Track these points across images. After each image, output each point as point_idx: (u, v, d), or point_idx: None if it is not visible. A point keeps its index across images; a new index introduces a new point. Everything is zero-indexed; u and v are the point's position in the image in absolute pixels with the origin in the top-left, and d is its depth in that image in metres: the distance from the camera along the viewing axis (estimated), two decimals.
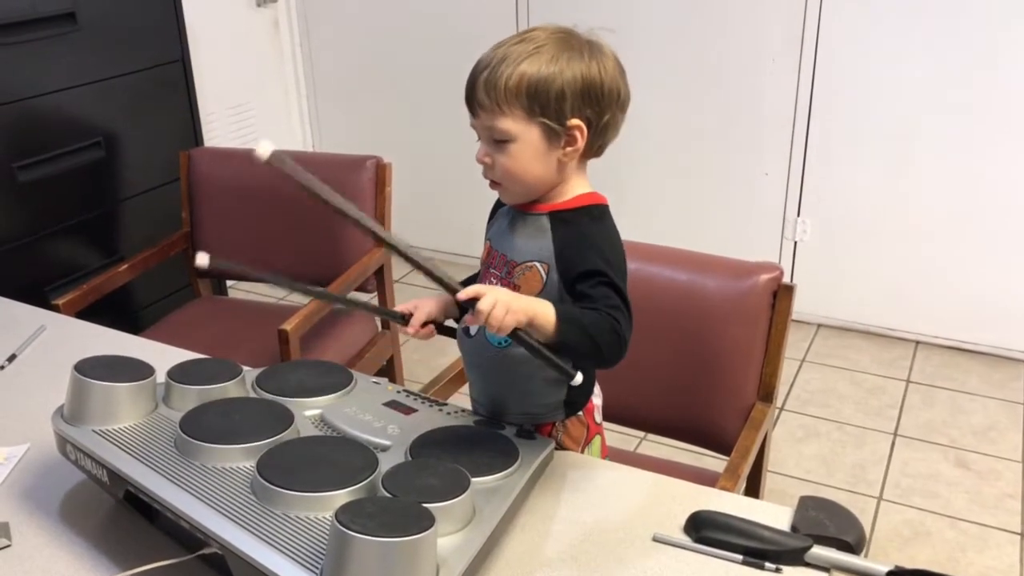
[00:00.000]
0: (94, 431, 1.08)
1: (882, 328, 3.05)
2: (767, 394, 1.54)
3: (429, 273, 1.02)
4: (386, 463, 1.01)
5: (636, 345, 1.11)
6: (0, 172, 2.21)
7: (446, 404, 1.21)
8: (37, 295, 2.22)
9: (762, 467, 1.59)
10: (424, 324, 1.22)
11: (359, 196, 2.19)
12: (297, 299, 3.19)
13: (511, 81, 1.06)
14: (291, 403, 1.15)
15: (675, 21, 2.99)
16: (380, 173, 2.20)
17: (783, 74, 2.89)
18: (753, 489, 1.58)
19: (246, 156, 2.44)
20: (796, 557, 1.00)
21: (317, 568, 0.86)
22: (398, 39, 3.47)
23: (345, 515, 0.83)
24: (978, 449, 2.47)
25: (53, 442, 1.12)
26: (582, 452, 1.24)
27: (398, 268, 3.28)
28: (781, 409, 2.68)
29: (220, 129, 3.34)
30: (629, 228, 1.35)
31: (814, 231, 3.03)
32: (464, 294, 0.99)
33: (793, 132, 2.94)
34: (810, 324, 3.13)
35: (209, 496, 0.96)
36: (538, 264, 1.12)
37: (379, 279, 2.27)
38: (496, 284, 1.16)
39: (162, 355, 1.43)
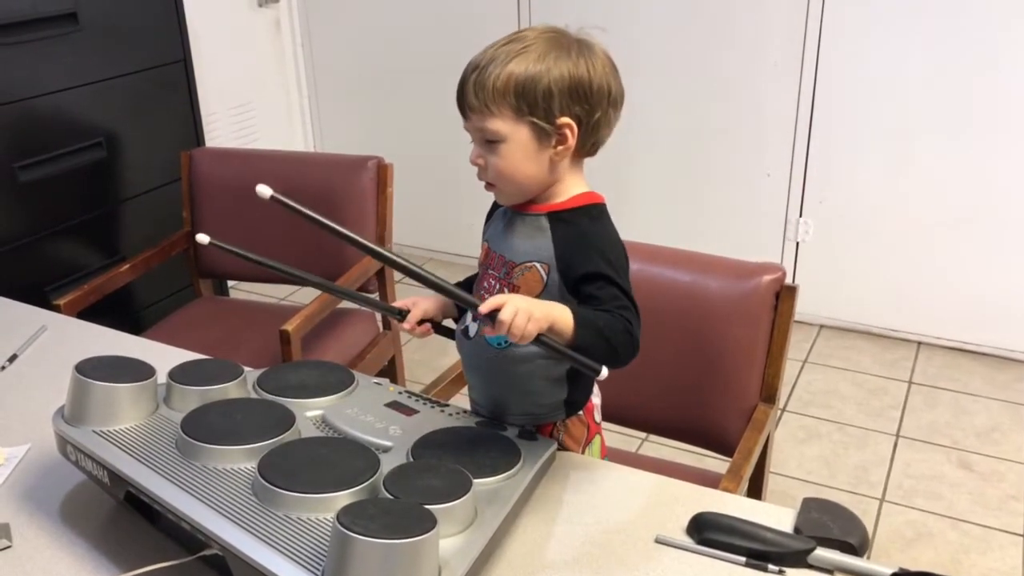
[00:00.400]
0: (95, 432, 1.07)
1: (884, 329, 3.05)
2: (769, 395, 1.54)
3: (444, 291, 1.01)
4: (388, 464, 1.01)
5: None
6: (1, 172, 2.21)
7: (448, 405, 1.21)
8: (38, 295, 2.22)
9: (764, 468, 1.58)
10: (421, 322, 1.23)
11: (360, 197, 2.18)
12: (298, 299, 3.19)
13: (499, 81, 1.06)
14: (292, 404, 1.15)
15: (678, 22, 2.98)
16: (381, 173, 2.20)
17: (785, 75, 2.88)
18: (755, 490, 1.57)
19: (247, 156, 2.44)
20: (799, 559, 1.00)
21: (318, 570, 0.85)
22: (399, 39, 3.47)
23: (347, 516, 0.83)
24: (981, 450, 2.47)
25: (54, 443, 1.12)
26: (582, 452, 1.24)
27: None
28: (783, 410, 2.68)
29: (221, 129, 3.34)
30: (631, 229, 1.34)
31: (816, 232, 3.02)
32: (485, 307, 0.98)
33: (795, 133, 2.94)
34: (812, 325, 3.12)
35: (210, 497, 0.96)
36: (537, 264, 1.12)
37: (380, 279, 2.27)
38: (495, 285, 1.16)
39: (163, 356, 1.43)
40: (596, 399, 1.26)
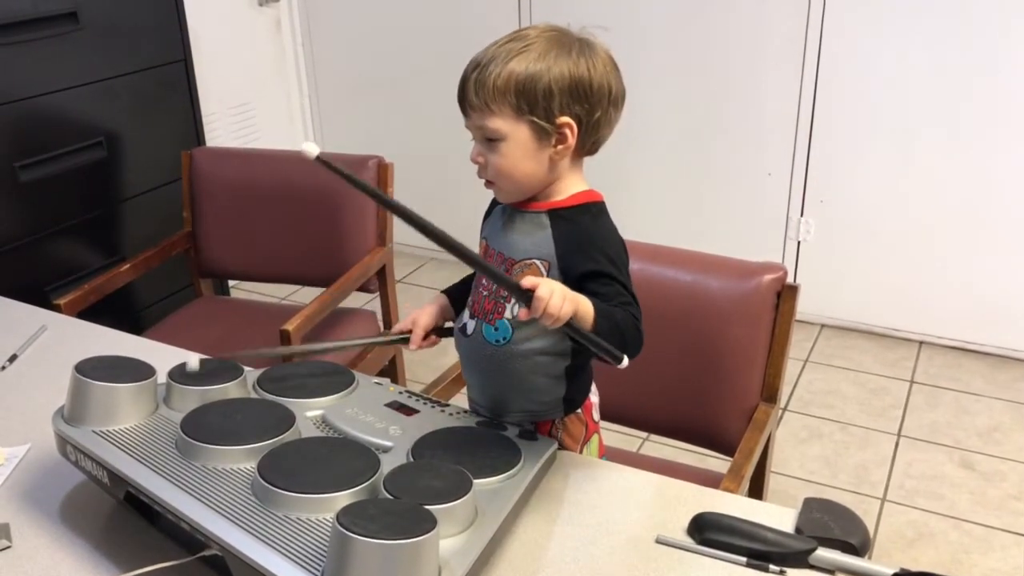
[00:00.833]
0: (95, 432, 1.07)
1: (886, 328, 3.04)
2: (770, 395, 1.53)
3: (489, 271, 1.05)
4: (388, 464, 1.01)
5: None
6: (2, 172, 2.21)
7: (448, 405, 1.21)
8: (38, 295, 2.22)
9: (765, 468, 1.58)
10: (426, 336, 1.24)
11: (361, 196, 2.17)
12: (299, 299, 3.19)
13: (499, 80, 1.06)
14: (292, 404, 1.15)
15: (679, 21, 2.98)
16: (382, 173, 2.19)
17: (787, 74, 2.88)
18: (756, 490, 1.57)
19: (247, 156, 2.44)
20: (800, 559, 0.99)
21: (318, 570, 0.85)
22: (400, 39, 3.47)
23: (346, 517, 0.83)
24: (983, 450, 2.46)
25: (54, 443, 1.11)
26: (581, 450, 1.24)
27: (400, 268, 3.28)
28: (784, 410, 2.67)
29: (222, 129, 3.33)
30: (633, 228, 1.34)
31: (817, 231, 3.02)
32: (526, 283, 0.98)
33: (796, 132, 2.93)
34: (813, 324, 3.12)
35: (210, 497, 0.96)
36: (538, 262, 1.12)
37: (381, 279, 2.27)
38: (493, 282, 1.16)
39: (163, 356, 1.43)
40: (594, 397, 1.26)
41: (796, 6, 2.80)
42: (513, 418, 1.19)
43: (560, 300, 0.97)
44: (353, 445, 1.07)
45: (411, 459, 1.06)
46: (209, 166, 2.32)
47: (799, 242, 3.06)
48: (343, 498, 0.94)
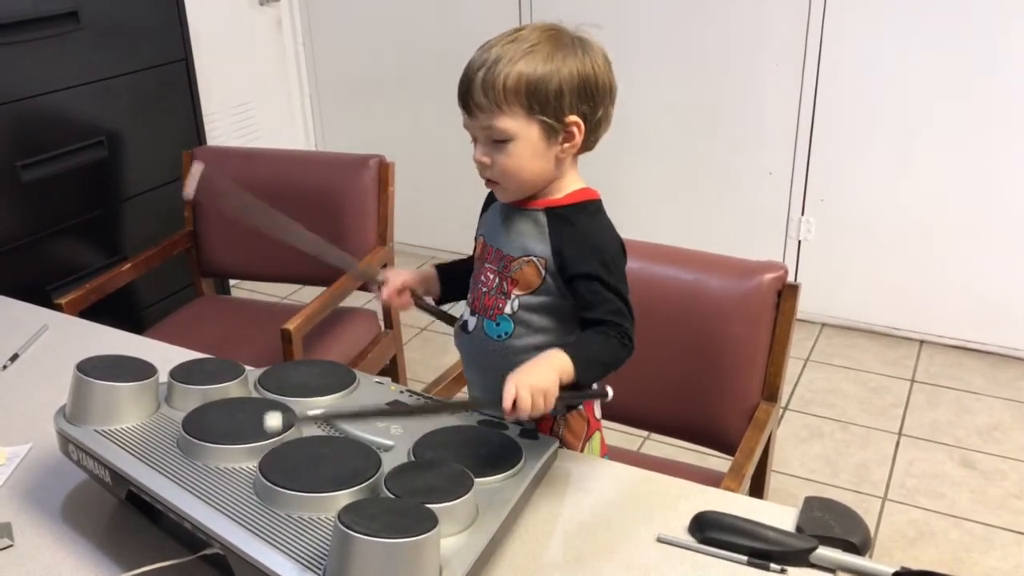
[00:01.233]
0: (96, 431, 1.07)
1: (886, 327, 3.04)
2: (771, 394, 1.53)
3: (468, 407, 1.10)
4: (389, 463, 1.01)
5: (640, 345, 1.12)
6: (3, 171, 2.21)
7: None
8: (39, 294, 2.22)
9: (766, 467, 1.58)
10: (401, 293, 1.25)
11: (361, 196, 2.18)
12: (300, 298, 3.19)
13: (509, 80, 1.07)
14: (294, 403, 1.15)
15: (679, 20, 2.98)
16: (383, 172, 2.20)
17: (787, 73, 2.88)
18: (757, 489, 1.57)
19: (248, 155, 2.44)
20: (801, 558, 0.99)
21: (320, 569, 0.85)
22: (401, 38, 3.47)
23: (348, 516, 0.83)
24: (983, 449, 2.46)
25: (55, 442, 1.12)
26: (582, 448, 1.24)
27: (400, 268, 3.28)
28: (785, 409, 2.67)
29: (223, 128, 3.33)
30: (633, 227, 1.34)
31: (818, 230, 3.02)
32: (507, 405, 0.99)
33: (797, 131, 2.93)
34: (814, 323, 3.12)
35: (211, 496, 0.96)
36: (535, 259, 1.13)
37: None
38: (493, 279, 1.16)
39: (164, 355, 1.43)
40: None
41: (796, 5, 2.80)
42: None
43: (540, 400, 1.00)
44: (354, 444, 1.07)
45: (412, 458, 1.06)
46: (210, 166, 2.31)
47: (800, 241, 3.06)
48: (344, 497, 0.94)
